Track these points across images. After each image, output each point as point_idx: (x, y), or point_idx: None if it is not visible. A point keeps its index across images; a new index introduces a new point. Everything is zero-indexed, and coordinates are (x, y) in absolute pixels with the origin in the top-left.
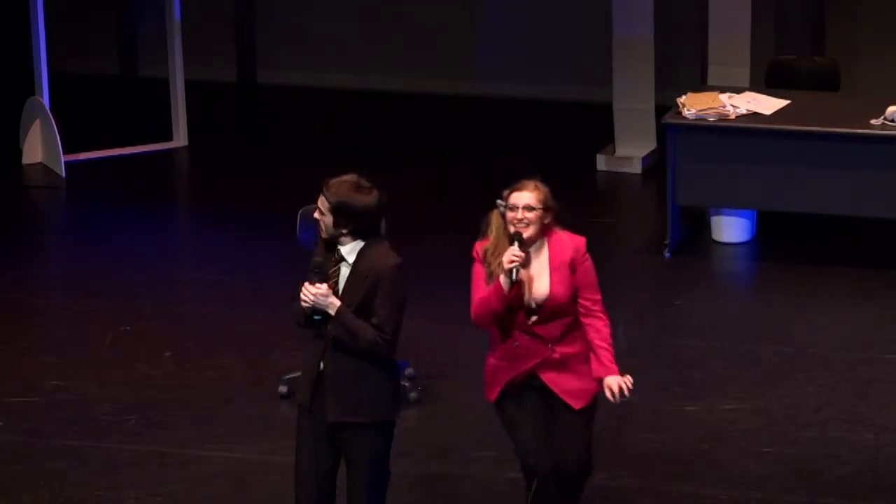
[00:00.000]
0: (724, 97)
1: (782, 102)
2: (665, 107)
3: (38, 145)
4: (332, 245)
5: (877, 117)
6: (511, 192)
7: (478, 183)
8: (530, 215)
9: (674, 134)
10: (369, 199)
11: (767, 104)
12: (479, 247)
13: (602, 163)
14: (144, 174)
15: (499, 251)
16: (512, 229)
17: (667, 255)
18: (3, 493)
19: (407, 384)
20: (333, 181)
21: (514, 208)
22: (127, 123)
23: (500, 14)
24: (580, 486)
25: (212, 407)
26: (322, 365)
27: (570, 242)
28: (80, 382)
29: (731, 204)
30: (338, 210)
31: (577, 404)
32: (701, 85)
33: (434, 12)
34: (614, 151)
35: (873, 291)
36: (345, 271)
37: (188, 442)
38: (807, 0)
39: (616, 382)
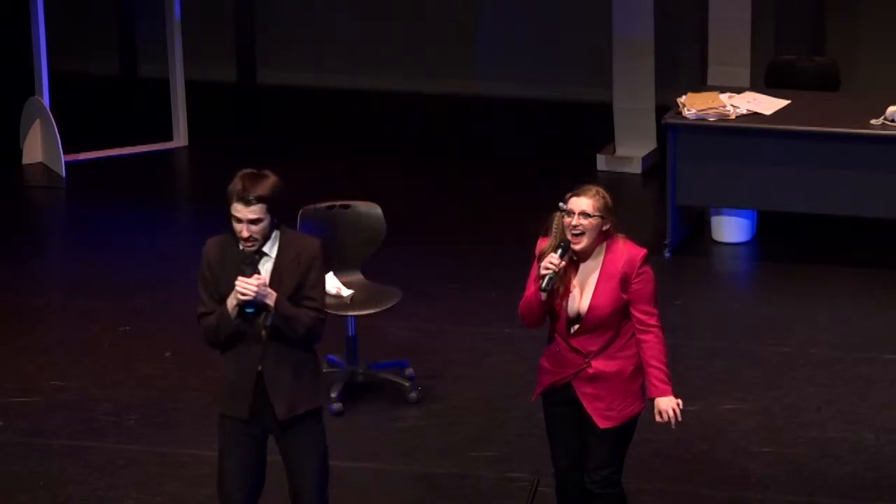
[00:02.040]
0: (724, 97)
1: (782, 102)
2: (665, 107)
3: (39, 145)
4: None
5: (877, 117)
6: (571, 196)
7: (477, 183)
8: (585, 222)
9: (674, 134)
10: (277, 181)
11: (768, 104)
12: (540, 244)
13: (602, 163)
14: (144, 174)
15: (548, 254)
16: (569, 235)
17: (667, 255)
18: (4, 493)
19: (407, 384)
20: (250, 186)
21: (570, 213)
22: (127, 123)
23: (500, 14)
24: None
25: (212, 407)
26: (260, 367)
27: (627, 254)
28: (80, 382)
29: (731, 204)
30: (273, 206)
31: (602, 423)
32: (701, 85)
33: (434, 12)
34: (614, 151)
35: (873, 291)
36: (267, 267)
37: (188, 442)
38: (807, 0)
39: (667, 406)
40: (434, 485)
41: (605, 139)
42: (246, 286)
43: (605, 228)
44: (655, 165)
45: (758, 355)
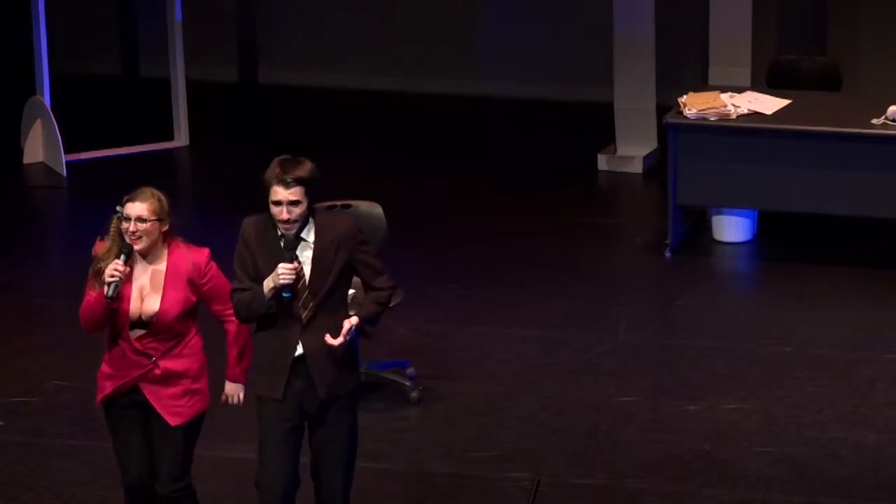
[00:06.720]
0: (725, 97)
1: (783, 102)
2: (666, 106)
3: (40, 145)
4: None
5: (878, 117)
6: (126, 200)
7: (478, 183)
8: (142, 227)
9: (675, 134)
10: (313, 166)
11: (769, 104)
12: (98, 247)
13: (603, 162)
14: (146, 174)
15: (109, 259)
16: (127, 240)
17: (668, 254)
18: (5, 493)
19: (408, 384)
20: (289, 169)
21: (127, 219)
22: (128, 123)
23: (500, 14)
24: None
25: (212, 406)
26: (301, 347)
27: (190, 258)
28: (81, 382)
29: (731, 203)
30: (311, 189)
31: (173, 420)
32: (702, 84)
33: (435, 12)
34: (615, 151)
35: (873, 291)
36: (307, 253)
37: None
38: (808, 0)
39: (233, 392)
40: (435, 485)
41: (606, 139)
42: (286, 273)
43: (164, 230)
44: (656, 165)
45: (758, 355)
